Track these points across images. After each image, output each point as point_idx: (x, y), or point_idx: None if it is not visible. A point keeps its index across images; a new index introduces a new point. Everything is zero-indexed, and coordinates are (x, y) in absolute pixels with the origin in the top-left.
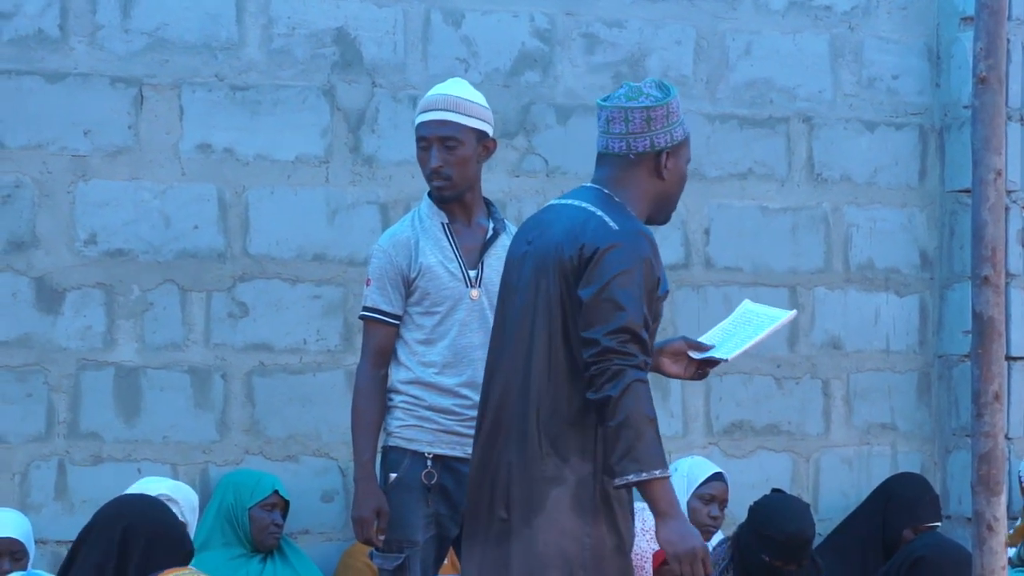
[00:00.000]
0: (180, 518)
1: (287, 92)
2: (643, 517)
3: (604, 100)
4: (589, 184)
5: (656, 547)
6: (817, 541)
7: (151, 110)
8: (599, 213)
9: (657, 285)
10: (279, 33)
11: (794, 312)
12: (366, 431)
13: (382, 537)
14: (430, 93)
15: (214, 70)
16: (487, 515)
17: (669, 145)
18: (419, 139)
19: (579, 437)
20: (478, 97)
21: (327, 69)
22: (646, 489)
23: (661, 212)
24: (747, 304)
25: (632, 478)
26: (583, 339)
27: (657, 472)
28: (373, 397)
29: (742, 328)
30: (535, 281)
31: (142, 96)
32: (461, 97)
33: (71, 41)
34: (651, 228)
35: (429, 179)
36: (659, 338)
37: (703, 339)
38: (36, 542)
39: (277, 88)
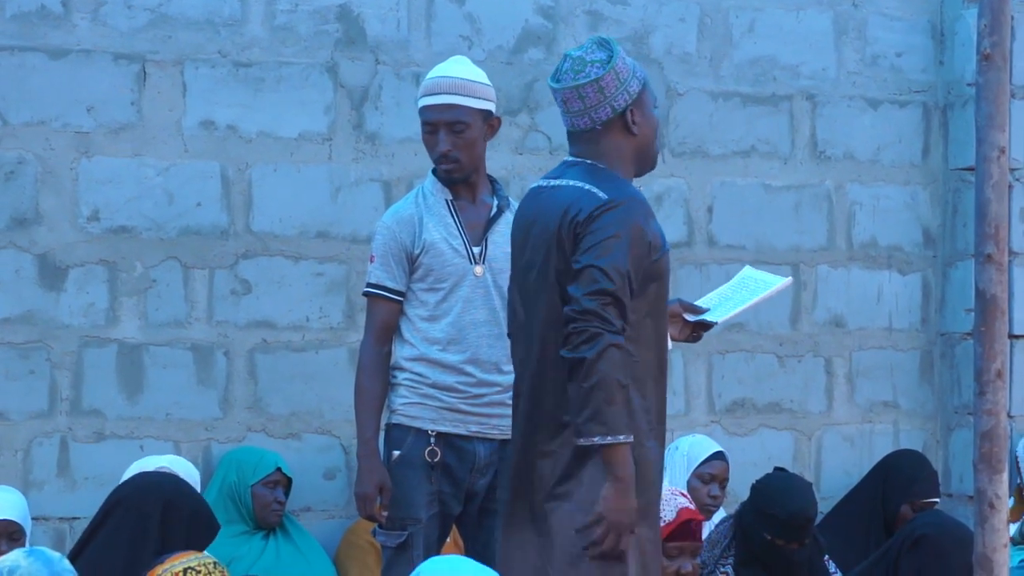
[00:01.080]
0: None
1: (290, 69)
2: None
3: (555, 81)
4: (570, 158)
5: (678, 506)
6: (818, 519)
7: (154, 87)
8: (587, 187)
9: (650, 249)
10: (282, 10)
11: (789, 279)
12: (370, 408)
13: (385, 514)
14: (433, 74)
15: (217, 47)
16: (529, 499)
17: (629, 103)
18: (425, 123)
19: None
20: (481, 76)
21: (330, 46)
22: (608, 452)
23: (646, 162)
24: (747, 270)
25: (597, 440)
26: (567, 297)
27: (621, 437)
28: (377, 374)
29: (739, 293)
30: (543, 265)
31: (145, 73)
32: (466, 79)
33: (74, 17)
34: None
35: (437, 162)
36: None
37: (700, 302)
38: (38, 519)
39: (280, 65)
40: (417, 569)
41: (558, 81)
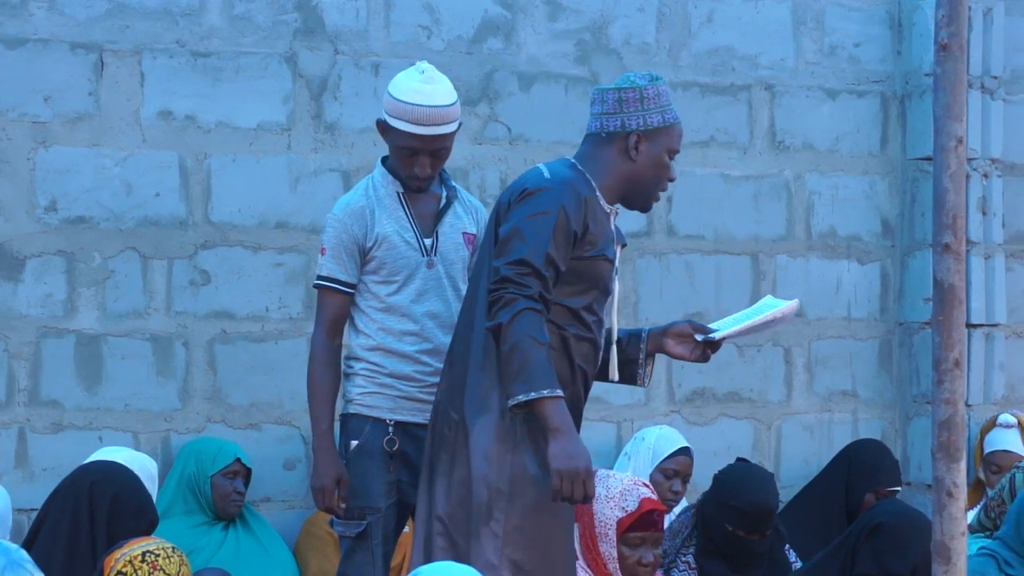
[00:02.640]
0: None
1: (249, 59)
2: (607, 484)
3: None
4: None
5: (620, 514)
6: (779, 508)
7: (112, 76)
8: (541, 166)
9: (575, 237)
10: None
11: (795, 302)
12: (324, 400)
13: (343, 505)
14: (418, 101)
15: (175, 36)
16: (438, 445)
17: (640, 128)
18: (406, 147)
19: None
20: (454, 92)
21: (289, 36)
22: (537, 408)
23: (636, 196)
24: (767, 298)
25: (522, 398)
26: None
27: (546, 392)
28: (329, 366)
29: (750, 315)
30: (485, 239)
31: (103, 62)
32: (450, 105)
33: (30, 6)
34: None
35: (410, 180)
36: (625, 311)
37: (714, 324)
38: None
39: (239, 55)
40: (417, 570)
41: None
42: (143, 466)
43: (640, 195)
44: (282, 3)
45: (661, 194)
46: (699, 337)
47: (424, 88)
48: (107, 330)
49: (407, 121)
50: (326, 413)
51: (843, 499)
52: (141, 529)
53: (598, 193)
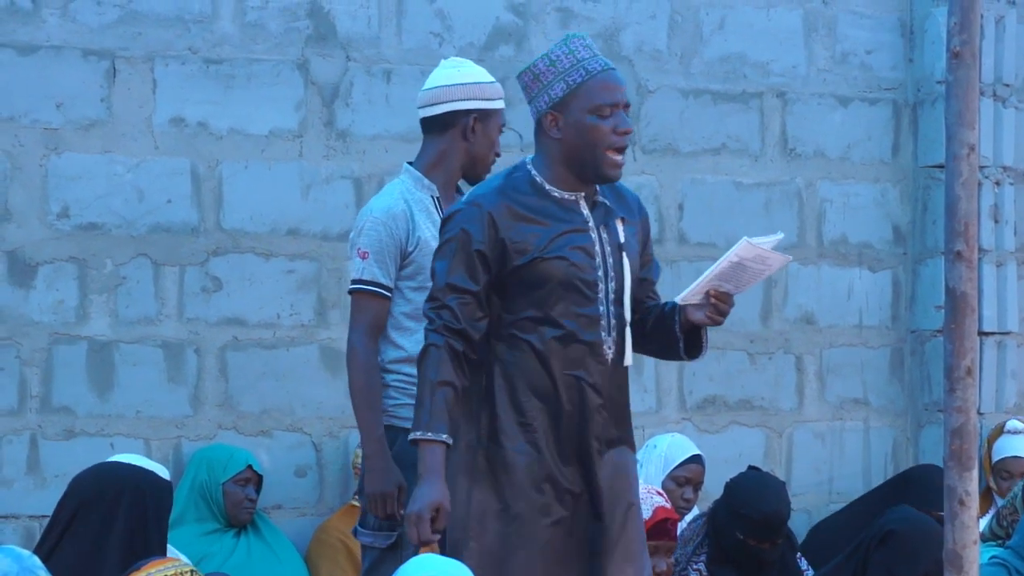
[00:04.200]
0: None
1: (261, 66)
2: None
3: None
4: None
5: (655, 504)
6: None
7: (124, 83)
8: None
9: (484, 256)
10: (253, 6)
11: (779, 235)
12: (373, 407)
13: (403, 512)
14: (491, 80)
15: (187, 43)
16: None
17: (548, 105)
18: (502, 125)
19: (466, 404)
20: None
21: (301, 43)
22: (417, 448)
23: (584, 171)
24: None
25: (410, 437)
26: None
27: (418, 434)
28: (374, 372)
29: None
30: None
31: (115, 69)
32: None
33: (43, 13)
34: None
35: (490, 164)
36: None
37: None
38: (7, 517)
39: (251, 62)
40: (401, 568)
41: None
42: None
43: (588, 167)
44: (294, 10)
45: (623, 155)
46: (698, 299)
47: (484, 70)
48: (119, 337)
49: (497, 98)
50: (378, 420)
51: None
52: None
53: (548, 187)
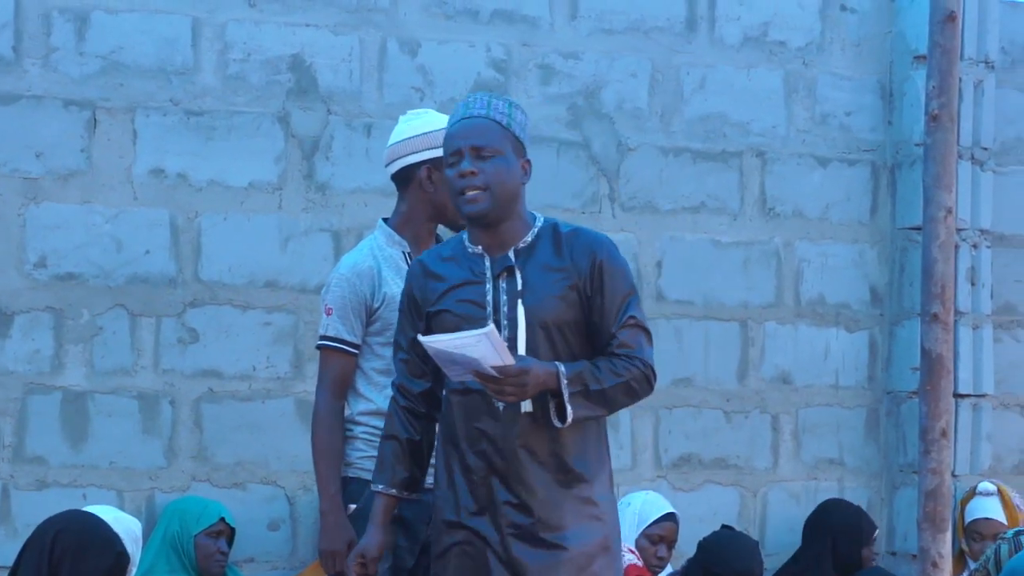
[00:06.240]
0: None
1: (241, 118)
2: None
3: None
4: None
5: (626, 562)
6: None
7: (104, 133)
8: None
9: (409, 314)
10: (234, 59)
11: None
12: (332, 463)
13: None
14: (444, 125)
15: (168, 94)
16: None
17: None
18: None
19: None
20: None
21: (282, 95)
22: None
23: (456, 216)
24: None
25: None
26: None
27: (370, 485)
28: (336, 428)
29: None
30: None
31: (95, 119)
32: None
33: (24, 63)
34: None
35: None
36: None
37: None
38: None
39: (231, 114)
40: None
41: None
42: (127, 528)
43: (460, 216)
44: (275, 63)
45: (476, 191)
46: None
47: (432, 115)
48: (94, 387)
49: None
50: (334, 476)
51: (831, 564)
52: (110, 563)
53: (466, 243)
